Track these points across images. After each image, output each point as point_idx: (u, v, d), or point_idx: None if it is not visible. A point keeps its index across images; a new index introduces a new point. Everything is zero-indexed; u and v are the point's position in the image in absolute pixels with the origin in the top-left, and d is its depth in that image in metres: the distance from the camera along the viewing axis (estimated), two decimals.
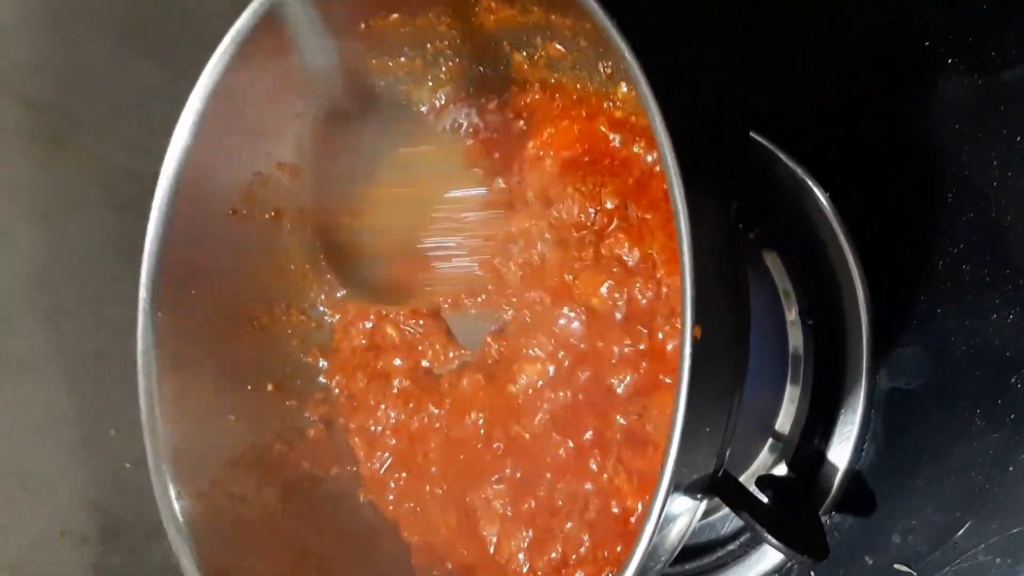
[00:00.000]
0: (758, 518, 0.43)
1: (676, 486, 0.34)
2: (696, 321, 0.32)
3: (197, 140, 0.51)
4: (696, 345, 0.32)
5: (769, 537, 0.42)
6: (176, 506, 0.47)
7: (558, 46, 0.52)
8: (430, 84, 0.58)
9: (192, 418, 0.50)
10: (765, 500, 0.51)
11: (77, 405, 0.60)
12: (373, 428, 0.57)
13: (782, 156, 0.57)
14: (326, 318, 0.60)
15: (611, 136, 0.54)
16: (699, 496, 0.41)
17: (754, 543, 0.57)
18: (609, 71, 0.51)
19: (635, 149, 0.53)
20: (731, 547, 0.58)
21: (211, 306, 0.53)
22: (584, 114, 0.55)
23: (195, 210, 0.51)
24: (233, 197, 0.54)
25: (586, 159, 0.54)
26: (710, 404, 0.37)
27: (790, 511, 0.51)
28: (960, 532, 0.49)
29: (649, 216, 0.51)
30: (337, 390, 0.58)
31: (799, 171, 0.57)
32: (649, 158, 0.52)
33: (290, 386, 0.57)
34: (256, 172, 0.55)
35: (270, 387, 0.56)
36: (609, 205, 0.52)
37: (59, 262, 0.61)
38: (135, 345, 0.49)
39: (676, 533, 0.41)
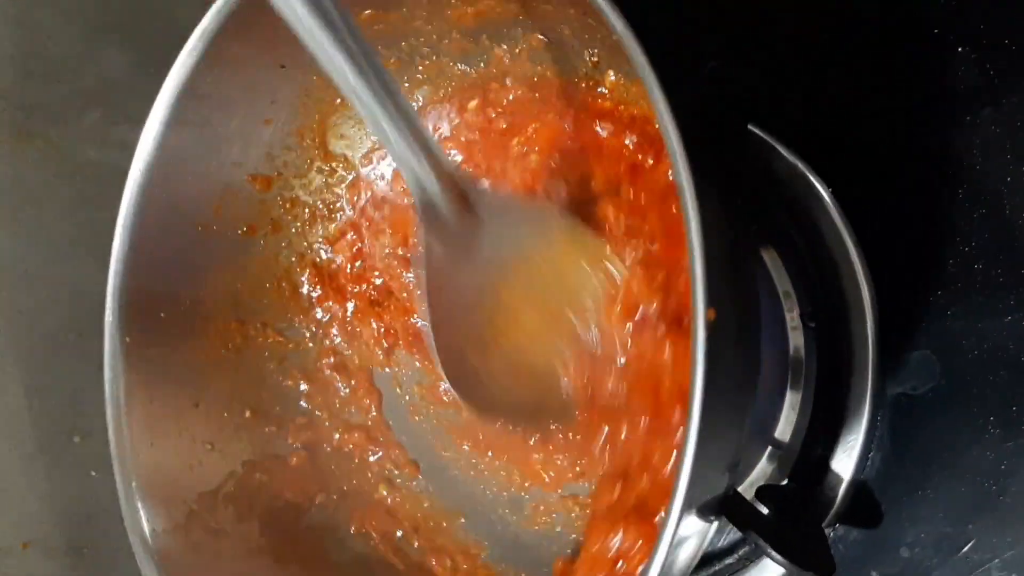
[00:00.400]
0: (761, 533, 0.41)
1: (688, 504, 0.32)
2: (709, 303, 0.30)
3: (162, 147, 0.49)
4: (711, 327, 0.30)
5: (773, 553, 0.41)
6: (150, 542, 0.45)
7: (540, 36, 0.50)
8: (406, 85, 0.55)
9: (165, 448, 0.48)
10: (765, 512, 0.49)
11: (38, 409, 0.58)
12: None
13: (782, 150, 0.54)
14: (305, 338, 0.58)
15: (599, 128, 0.51)
16: (711, 517, 0.38)
17: (753, 556, 0.55)
18: (595, 59, 0.49)
19: (626, 142, 0.50)
20: (729, 560, 0.56)
21: (182, 328, 0.51)
22: (569, 106, 0.52)
23: (162, 227, 0.49)
24: (203, 213, 0.52)
25: (574, 147, 0.52)
26: (726, 405, 0.34)
27: (792, 524, 0.49)
28: (972, 546, 0.47)
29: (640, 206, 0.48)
30: (319, 413, 0.56)
31: (800, 166, 0.54)
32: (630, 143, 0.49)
33: (268, 411, 0.55)
34: (226, 185, 0.53)
35: (247, 413, 0.54)
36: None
37: (21, 258, 0.59)
38: (99, 346, 0.47)
39: (685, 558, 0.39)
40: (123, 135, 0.50)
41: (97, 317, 0.48)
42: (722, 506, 0.39)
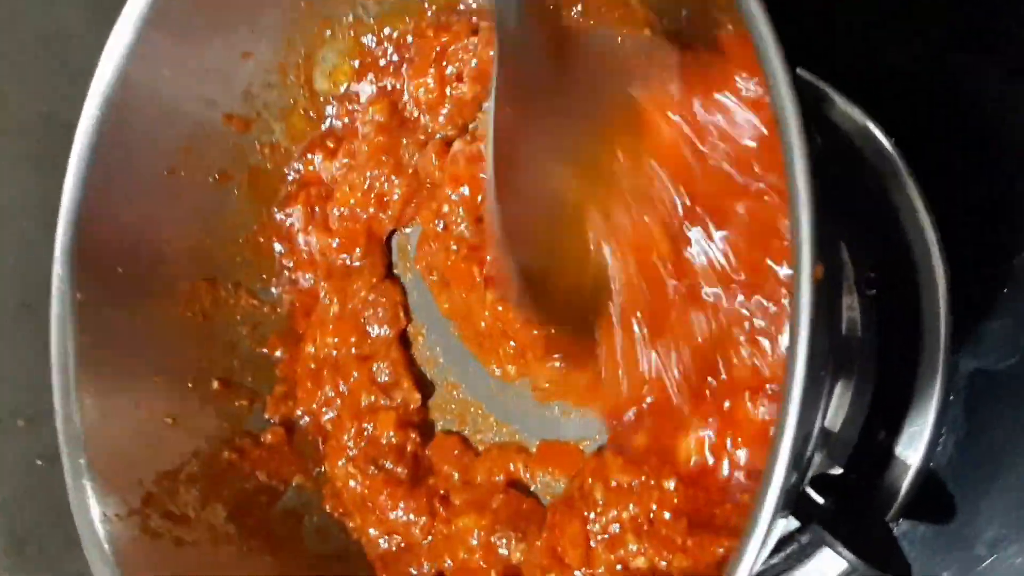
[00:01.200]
0: (828, 528, 0.40)
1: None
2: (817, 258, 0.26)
3: (124, 81, 0.45)
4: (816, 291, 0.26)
5: (845, 551, 0.39)
6: (100, 529, 0.42)
7: None
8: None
9: (120, 422, 0.45)
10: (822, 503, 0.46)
11: None
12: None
13: (835, 96, 0.50)
14: (283, 300, 0.54)
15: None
16: (783, 512, 0.35)
17: (801, 556, 0.50)
18: None
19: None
20: (774, 560, 0.50)
21: (142, 286, 0.48)
22: None
23: (122, 169, 0.46)
24: (169, 155, 0.49)
25: None
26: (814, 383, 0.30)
27: (854, 518, 0.47)
28: None
29: None
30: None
31: (857, 113, 0.50)
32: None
33: (240, 382, 0.52)
34: (197, 125, 0.50)
35: (215, 384, 0.51)
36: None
37: None
38: (47, 323, 0.44)
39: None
40: (73, 87, 0.46)
41: (47, 288, 0.45)
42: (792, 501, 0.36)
